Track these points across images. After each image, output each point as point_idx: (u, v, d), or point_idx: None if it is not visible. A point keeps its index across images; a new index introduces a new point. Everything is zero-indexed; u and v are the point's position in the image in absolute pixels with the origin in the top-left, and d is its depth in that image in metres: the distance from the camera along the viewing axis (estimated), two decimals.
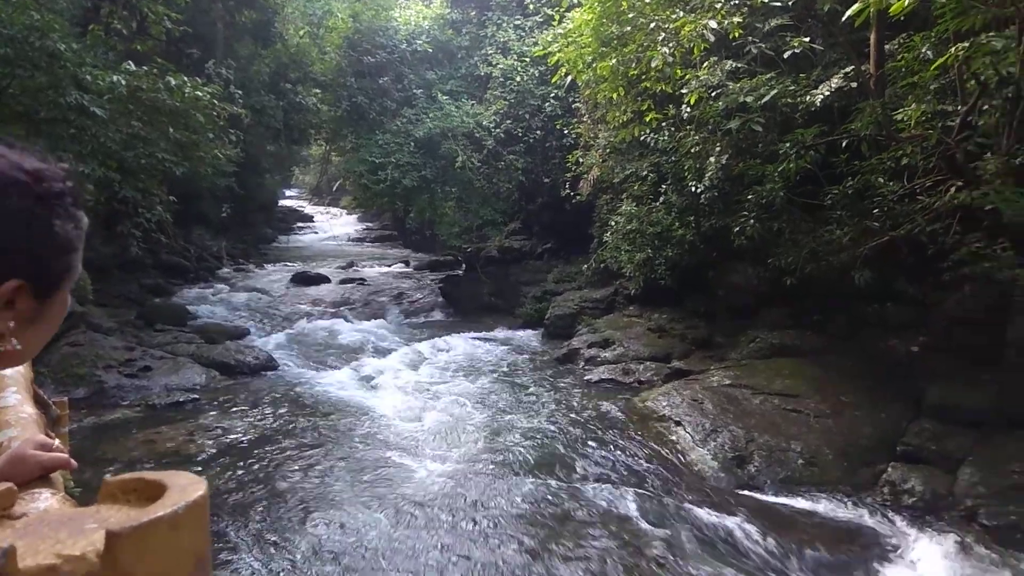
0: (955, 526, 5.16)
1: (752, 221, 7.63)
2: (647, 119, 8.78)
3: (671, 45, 7.23)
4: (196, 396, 8.03)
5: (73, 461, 1.11)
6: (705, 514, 5.30)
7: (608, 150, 11.01)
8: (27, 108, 7.92)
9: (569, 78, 9.58)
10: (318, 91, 15.34)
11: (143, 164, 9.26)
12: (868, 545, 4.99)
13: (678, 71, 7.84)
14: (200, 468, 5.96)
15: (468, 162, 13.35)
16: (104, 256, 11.89)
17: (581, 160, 11.94)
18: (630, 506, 5.41)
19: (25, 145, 0.89)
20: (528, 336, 11.97)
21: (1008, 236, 5.75)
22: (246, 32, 15.16)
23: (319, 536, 4.89)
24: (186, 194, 13.32)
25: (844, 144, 6.86)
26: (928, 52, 5.91)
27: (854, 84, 6.78)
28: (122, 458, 6.19)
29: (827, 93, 6.74)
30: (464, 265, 16.34)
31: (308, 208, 35.84)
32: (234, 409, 7.66)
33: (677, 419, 6.92)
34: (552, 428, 7.14)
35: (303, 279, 16.35)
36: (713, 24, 6.86)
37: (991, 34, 5.41)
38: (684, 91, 7.84)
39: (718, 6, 6.94)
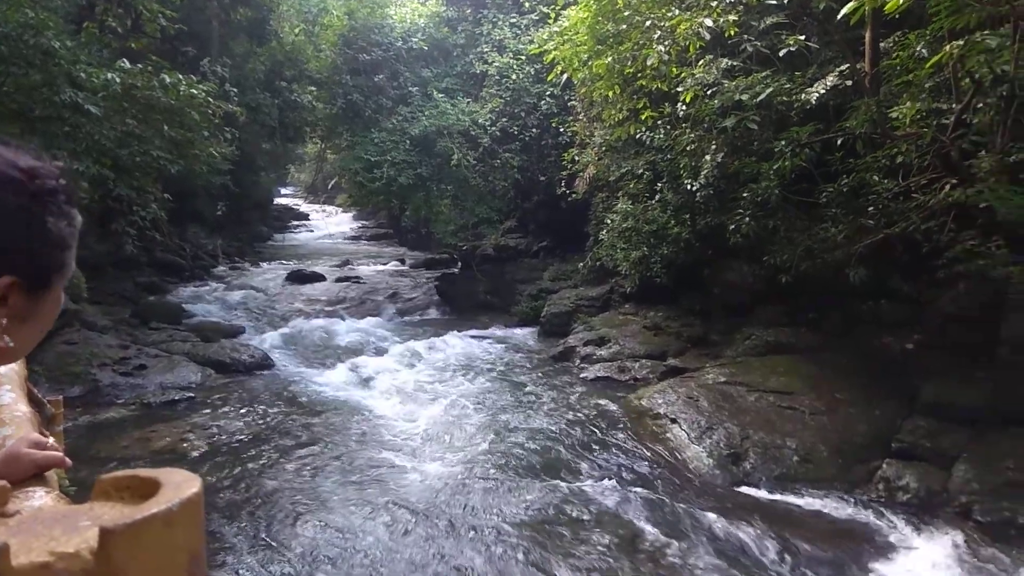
0: (949, 523, 5.18)
1: (747, 219, 7.64)
2: (643, 117, 8.78)
3: (667, 43, 7.23)
4: (191, 394, 8.02)
5: (68, 459, 1.11)
6: (700, 511, 5.31)
7: (604, 148, 11.01)
8: (21, 106, 7.89)
9: (565, 76, 9.58)
10: (313, 89, 15.30)
11: (138, 162, 9.22)
12: (863, 541, 5.01)
13: (674, 69, 7.84)
14: (195, 466, 5.95)
15: (464, 160, 13.34)
16: (99, 254, 11.85)
17: (577, 158, 11.93)
18: (626, 504, 5.42)
19: (19, 143, 0.89)
20: (524, 334, 11.97)
21: (1002, 234, 5.77)
22: (241, 30, 15.10)
23: (313, 537, 4.88)
24: (181, 192, 13.27)
25: (839, 142, 6.87)
26: (923, 50, 5.92)
27: (849, 82, 6.79)
28: (117, 456, 6.18)
29: (822, 91, 6.74)
30: (460, 263, 16.33)
31: (303, 206, 35.75)
32: (229, 408, 7.65)
33: (673, 417, 6.93)
34: (548, 426, 7.14)
35: (298, 277, 16.32)
36: (709, 22, 6.87)
37: (985, 32, 5.43)
38: (680, 89, 7.84)
39: (713, 4, 6.95)
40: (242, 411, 7.53)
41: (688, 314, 10.10)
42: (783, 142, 7.04)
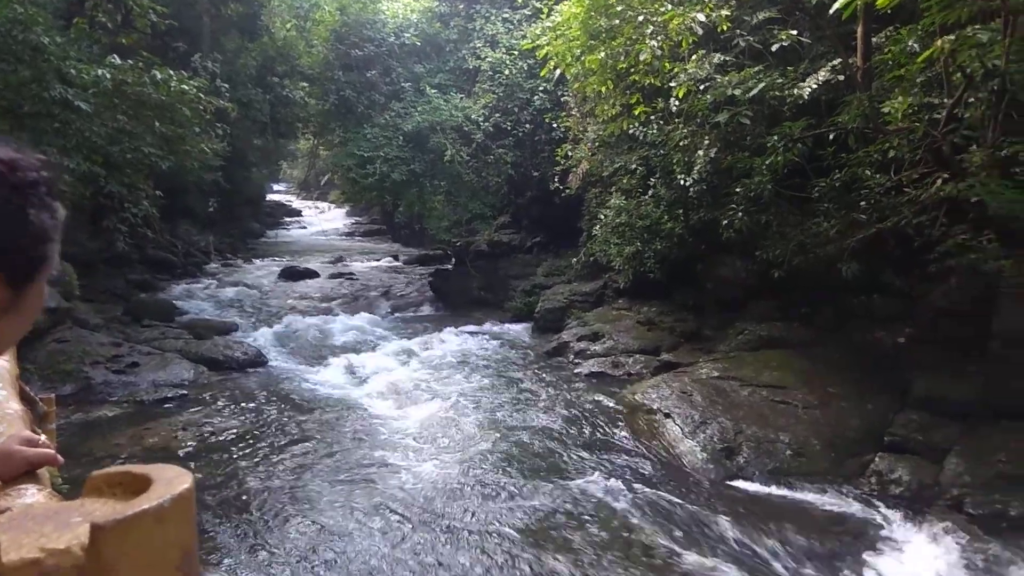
0: (941, 515, 5.21)
1: (740, 214, 7.65)
2: (636, 112, 8.78)
3: (659, 38, 7.24)
4: (184, 392, 8.00)
5: (59, 457, 1.10)
6: (694, 506, 5.33)
7: (597, 143, 11.00)
8: (10, 103, 7.84)
9: (558, 71, 9.57)
10: (305, 84, 15.26)
11: (128, 158, 9.18)
12: (855, 534, 5.04)
13: (666, 64, 7.83)
14: (188, 464, 5.94)
15: (457, 156, 13.32)
16: (90, 251, 11.80)
17: (570, 154, 11.93)
18: (619, 499, 5.43)
19: (1, 137, 0.88)
20: (518, 330, 11.97)
21: (993, 228, 5.79)
22: (232, 25, 15.04)
23: (305, 538, 4.87)
24: (172, 188, 13.23)
25: (831, 137, 6.88)
26: (915, 45, 5.93)
27: (841, 77, 6.81)
28: (110, 454, 6.15)
29: (815, 86, 6.76)
30: (453, 259, 16.32)
31: (296, 202, 35.67)
32: (223, 405, 7.63)
33: (666, 411, 6.94)
34: (542, 422, 7.15)
35: (292, 274, 16.29)
36: (701, 17, 6.87)
37: (977, 27, 5.44)
38: (672, 84, 7.84)
39: None
40: (235, 409, 7.51)
41: (681, 309, 10.12)
42: (776, 137, 7.05)
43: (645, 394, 7.38)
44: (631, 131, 9.48)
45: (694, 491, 5.65)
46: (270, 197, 31.31)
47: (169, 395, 7.85)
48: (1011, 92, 5.48)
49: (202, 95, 9.51)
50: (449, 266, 16.43)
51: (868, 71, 6.66)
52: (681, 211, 9.48)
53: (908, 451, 5.99)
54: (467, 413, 7.42)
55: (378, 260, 20.10)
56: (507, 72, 13.79)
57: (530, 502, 5.37)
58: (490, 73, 14.06)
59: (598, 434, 6.82)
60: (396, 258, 20.35)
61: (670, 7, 7.09)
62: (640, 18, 7.36)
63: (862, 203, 6.78)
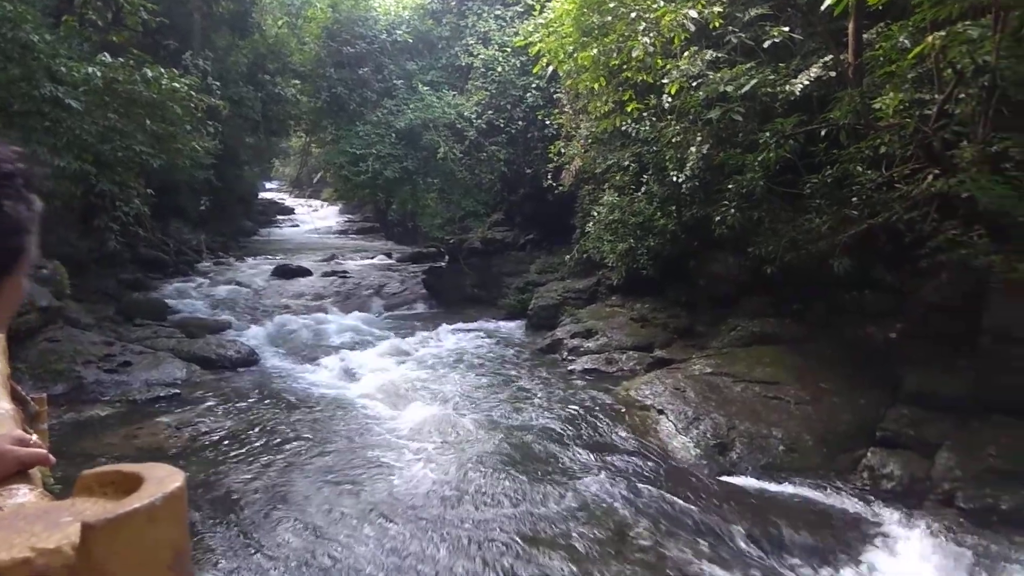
0: (933, 510, 5.24)
1: (732, 210, 7.67)
2: (628, 109, 8.79)
3: (652, 35, 7.24)
4: (177, 391, 7.97)
5: (51, 457, 1.10)
6: (687, 501, 5.34)
7: (590, 140, 11.01)
8: (0, 101, 7.79)
9: (550, 68, 9.57)
10: (297, 82, 15.21)
11: (120, 157, 9.13)
12: (848, 529, 5.06)
13: (659, 61, 7.84)
14: (181, 463, 5.92)
15: (450, 153, 13.30)
16: (81, 250, 11.74)
17: (563, 151, 11.93)
18: (614, 495, 5.44)
19: None
20: (511, 327, 11.98)
21: (984, 223, 5.82)
22: (223, 23, 14.97)
23: (298, 538, 4.82)
24: (164, 187, 13.16)
25: (823, 133, 6.90)
26: (905, 41, 5.95)
27: (833, 73, 6.83)
28: (102, 454, 6.13)
29: (806, 82, 6.78)
30: (447, 257, 16.30)
31: (288, 200, 35.47)
32: (215, 404, 7.61)
33: (660, 408, 6.97)
34: (536, 419, 7.16)
35: (284, 272, 16.24)
36: (693, 13, 6.88)
37: (967, 23, 5.47)
38: (665, 81, 7.85)
39: None
40: (228, 408, 7.49)
41: (674, 305, 10.14)
42: (768, 133, 7.07)
43: (639, 391, 7.40)
44: (624, 128, 9.49)
45: (687, 487, 5.66)
46: (262, 195, 31.22)
47: (162, 394, 7.82)
48: (1001, 88, 5.51)
49: (193, 93, 9.47)
50: (442, 264, 16.42)
51: (859, 67, 6.68)
52: (674, 208, 9.50)
53: (900, 446, 6.02)
54: (461, 411, 7.42)
55: (371, 258, 20.07)
56: (500, 69, 13.77)
57: (524, 499, 5.37)
58: (483, 70, 14.04)
59: (592, 431, 6.83)
60: (389, 256, 20.33)
61: (662, 4, 7.10)
62: (632, 15, 7.36)
63: (853, 199, 6.81)
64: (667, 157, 8.83)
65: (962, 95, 5.94)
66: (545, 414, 7.28)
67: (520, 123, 13.93)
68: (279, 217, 30.28)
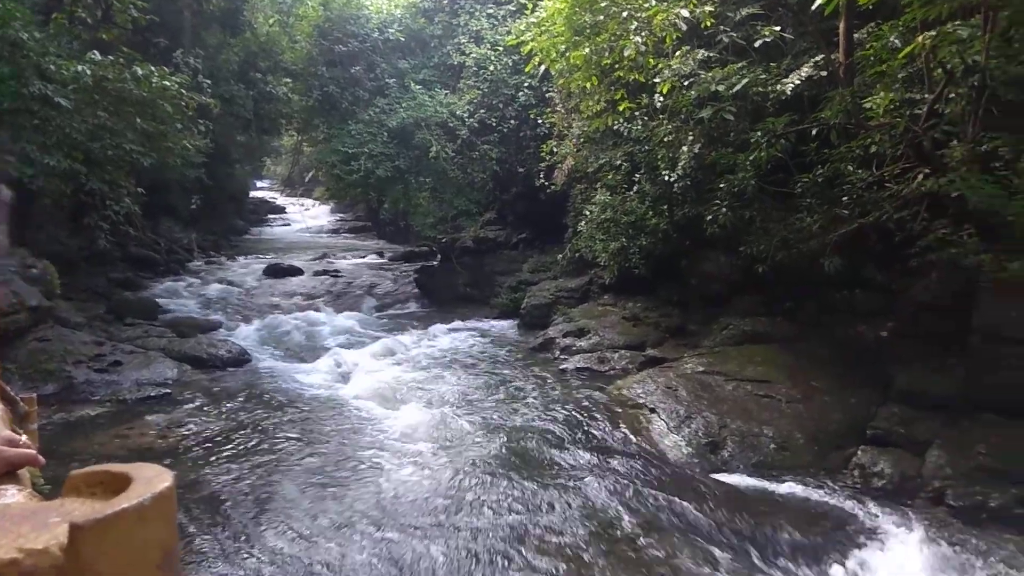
0: (923, 507, 5.27)
1: (724, 209, 7.69)
2: (620, 108, 8.80)
3: (644, 34, 7.25)
4: (167, 391, 7.94)
5: (40, 457, 1.09)
6: (679, 499, 5.35)
7: (582, 139, 11.02)
8: None
9: (543, 67, 9.56)
10: (289, 80, 15.16)
11: (110, 155, 9.09)
12: (839, 527, 5.08)
13: (651, 60, 7.86)
14: (171, 463, 5.89)
15: (442, 152, 13.29)
16: (71, 249, 11.68)
17: (555, 150, 11.94)
18: (606, 493, 5.45)
19: None
20: (504, 326, 11.98)
21: (974, 222, 5.85)
22: (214, 20, 14.90)
23: (287, 540, 4.80)
24: (154, 185, 13.12)
25: (814, 132, 6.93)
26: (896, 41, 5.98)
27: (824, 73, 6.85)
28: (92, 454, 6.10)
29: (797, 82, 6.80)
30: (439, 256, 16.29)
31: (280, 199, 35.46)
32: (206, 404, 7.58)
33: (652, 406, 6.98)
34: (528, 418, 7.16)
35: (276, 271, 16.20)
36: (685, 13, 6.89)
37: (957, 23, 5.50)
38: (657, 80, 7.86)
39: None
40: (219, 407, 7.46)
41: (666, 304, 10.17)
42: (759, 133, 7.09)
43: (631, 389, 7.41)
44: (616, 127, 9.50)
45: (679, 485, 5.67)
46: (254, 194, 31.13)
47: (152, 394, 7.79)
48: (991, 88, 5.55)
49: (184, 91, 9.43)
50: (435, 263, 16.41)
51: (850, 67, 6.71)
52: (666, 207, 9.52)
53: (890, 444, 6.05)
54: (453, 411, 7.41)
55: (363, 257, 20.03)
56: (492, 68, 13.77)
57: (516, 500, 5.37)
58: (475, 69, 14.03)
59: (584, 430, 6.84)
60: (381, 255, 20.29)
61: (654, 3, 7.11)
62: (624, 14, 7.37)
63: (844, 198, 6.84)
64: (659, 156, 8.85)
65: (952, 95, 5.98)
66: (538, 413, 7.28)
67: (512, 122, 13.93)
68: (270, 216, 30.18)
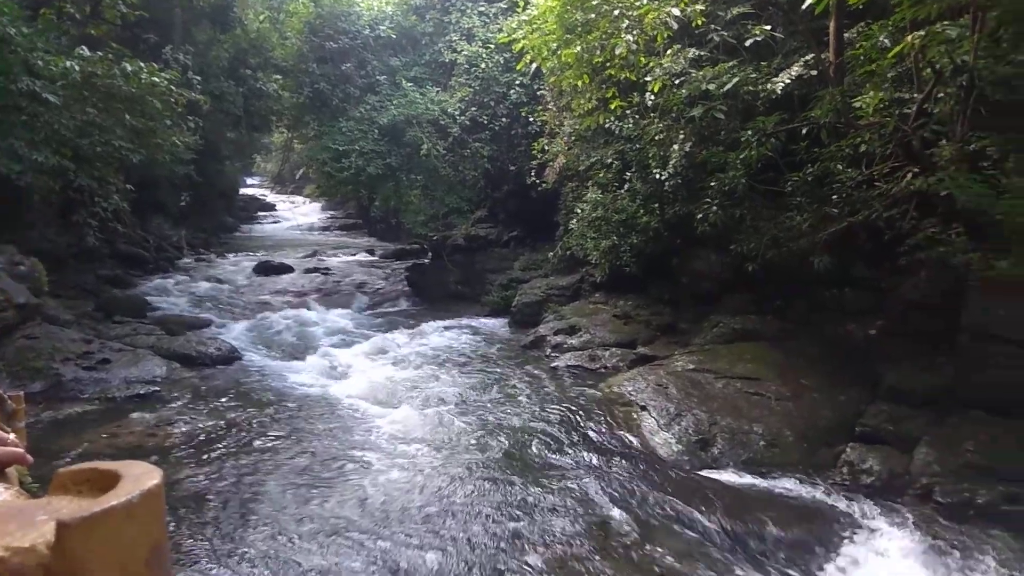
0: (911, 504, 5.30)
1: (715, 208, 7.72)
2: (612, 107, 8.81)
3: (635, 32, 7.26)
4: (157, 388, 7.90)
5: (28, 456, 1.08)
6: (670, 496, 5.37)
7: (573, 138, 11.03)
8: None
9: (534, 65, 9.57)
10: (279, 77, 15.10)
11: (98, 152, 9.03)
12: (828, 523, 5.11)
13: (642, 59, 7.87)
14: (160, 462, 5.86)
15: (433, 150, 13.27)
16: (59, 246, 11.61)
17: (547, 148, 11.95)
18: (597, 491, 5.46)
19: None
20: (495, 324, 11.97)
21: (962, 221, 5.89)
22: (204, 16, 14.82)
23: (276, 540, 4.77)
24: (143, 182, 13.04)
25: (804, 132, 6.96)
26: (886, 40, 6.01)
27: (814, 72, 6.88)
28: (81, 452, 6.06)
29: (787, 81, 6.83)
30: (430, 253, 16.28)
31: (270, 196, 35.30)
32: (196, 402, 7.55)
33: (642, 404, 6.99)
34: (520, 417, 7.17)
35: (266, 269, 16.14)
36: (676, 12, 6.90)
37: (946, 23, 5.53)
38: (648, 79, 7.88)
39: None
40: (209, 406, 7.43)
41: (657, 303, 10.19)
42: (749, 132, 7.11)
43: (621, 387, 7.43)
44: (607, 125, 9.52)
45: (670, 482, 5.69)
46: (244, 191, 31.01)
47: (141, 392, 7.74)
48: (979, 88, 5.58)
49: (173, 87, 9.38)
50: (426, 260, 16.39)
51: (840, 66, 6.73)
52: (657, 205, 9.54)
53: (879, 441, 6.08)
54: (444, 409, 7.41)
55: (354, 255, 19.99)
56: (483, 66, 13.76)
57: (506, 497, 5.38)
58: (466, 67, 14.02)
59: (575, 427, 6.85)
60: (372, 252, 20.26)
61: (645, 2, 7.12)
62: (616, 12, 7.38)
63: (834, 197, 6.87)
64: (650, 155, 8.87)
65: (941, 94, 6.02)
66: (529, 412, 7.29)
67: (504, 120, 13.93)
68: (261, 213, 30.05)
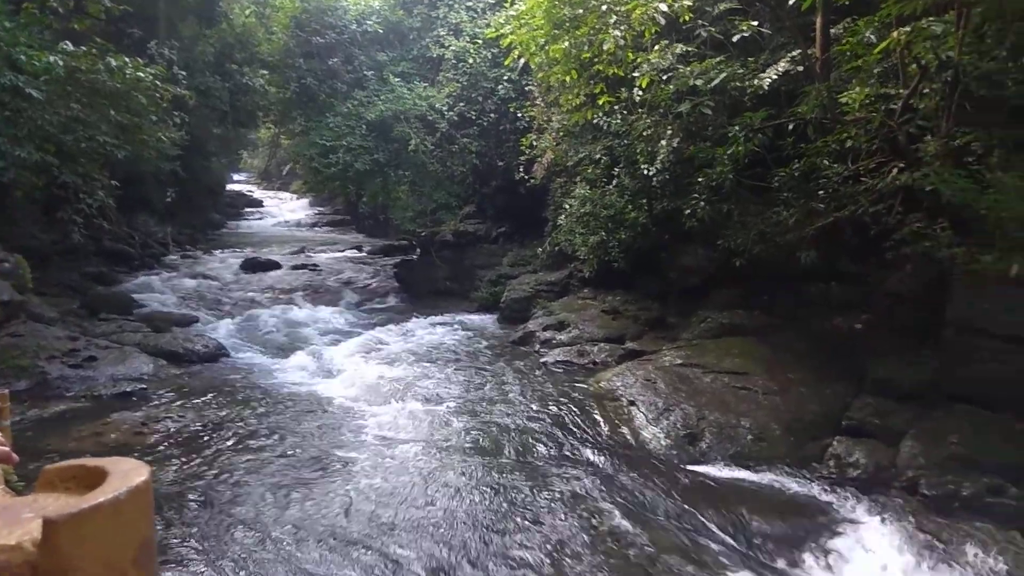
0: (897, 497, 5.34)
1: (702, 203, 7.74)
2: (600, 102, 8.81)
3: (623, 28, 7.26)
4: (143, 386, 7.85)
5: (14, 455, 1.08)
6: (658, 491, 5.40)
7: (561, 133, 11.03)
8: None
9: (522, 61, 9.56)
10: (265, 72, 15.01)
11: (83, 148, 8.95)
12: (815, 516, 5.15)
13: (630, 54, 7.87)
14: (147, 460, 5.83)
15: (421, 145, 13.23)
16: (44, 243, 11.51)
17: (535, 143, 11.94)
18: (586, 486, 5.48)
19: None
20: (484, 320, 11.98)
21: (947, 216, 5.94)
22: (189, 11, 14.70)
23: (266, 540, 4.75)
24: (129, 178, 12.92)
25: (791, 127, 6.99)
26: (872, 36, 6.05)
27: (800, 68, 6.91)
28: (67, 450, 6.02)
29: (774, 77, 6.85)
30: (418, 250, 16.24)
31: (257, 192, 35.06)
32: (183, 399, 7.50)
33: (631, 399, 7.02)
34: (509, 411, 7.17)
35: (253, 265, 16.07)
36: (663, 7, 6.91)
37: (931, 19, 5.57)
38: (636, 74, 7.88)
39: None
40: (196, 403, 7.39)
41: (645, 298, 10.22)
42: (737, 127, 7.14)
43: (610, 382, 7.45)
44: (595, 121, 9.52)
45: (658, 476, 5.71)
46: (230, 187, 30.75)
47: (128, 389, 7.69)
48: (964, 83, 5.63)
49: (159, 83, 9.30)
50: (414, 256, 16.35)
51: (827, 62, 6.77)
52: (645, 201, 9.56)
53: (865, 435, 6.13)
54: (433, 406, 7.41)
55: (342, 251, 19.92)
56: (471, 61, 13.72)
57: (496, 494, 5.38)
58: (454, 62, 13.98)
59: (565, 423, 6.86)
60: (360, 249, 20.19)
61: None
62: (603, 8, 7.38)
63: (820, 192, 6.91)
64: (638, 150, 8.88)
65: (926, 90, 6.06)
66: (518, 407, 7.29)
67: (492, 115, 13.90)
68: (247, 209, 29.85)
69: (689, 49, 7.91)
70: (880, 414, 6.22)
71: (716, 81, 7.06)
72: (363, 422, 6.94)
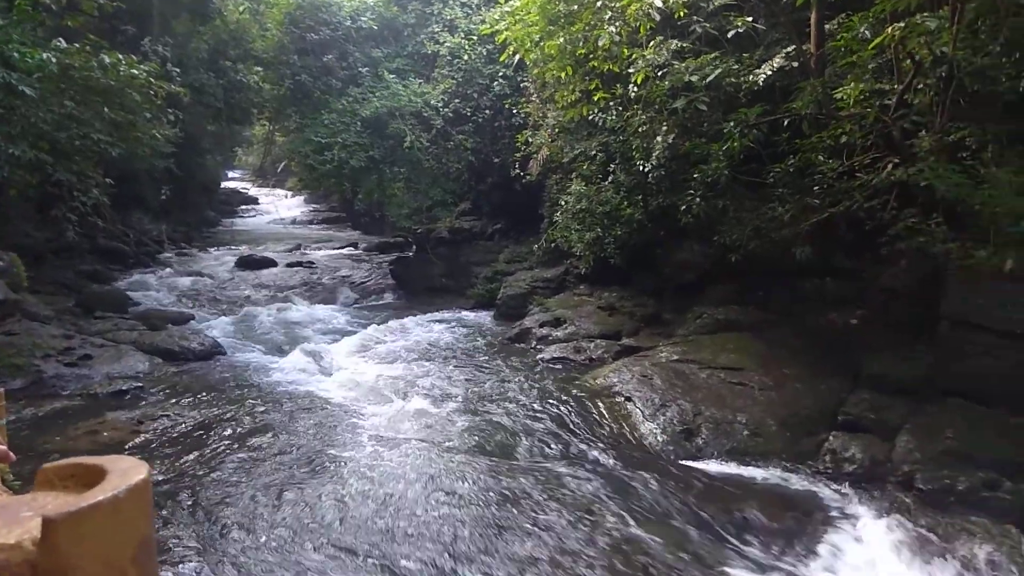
0: (893, 491, 5.37)
1: (698, 199, 7.75)
2: (595, 98, 8.81)
3: (618, 24, 7.26)
4: (139, 384, 7.83)
5: (10, 453, 1.08)
6: (655, 486, 5.40)
7: (557, 130, 11.02)
8: None
9: (517, 57, 9.55)
10: (259, 69, 14.94)
11: (77, 145, 8.91)
12: (811, 511, 5.17)
13: (625, 50, 7.87)
14: (144, 458, 5.82)
15: (417, 142, 13.21)
16: (38, 242, 11.47)
17: (530, 140, 11.93)
18: (583, 481, 5.48)
19: None
20: (480, 317, 11.97)
21: (942, 211, 5.95)
22: (183, 8, 14.63)
23: (261, 539, 4.76)
24: (123, 176, 12.87)
25: (786, 123, 6.99)
26: (866, 32, 6.05)
27: (795, 63, 6.92)
28: (64, 449, 6.00)
29: (769, 72, 6.86)
30: (414, 247, 16.22)
31: (252, 190, 34.87)
32: (179, 397, 7.49)
33: (628, 395, 7.03)
34: (506, 408, 7.17)
35: (249, 263, 16.03)
36: (659, 3, 6.91)
37: (925, 14, 5.57)
38: (631, 70, 7.88)
39: None
40: (192, 401, 7.38)
41: (641, 294, 10.23)
42: (732, 123, 7.14)
43: (607, 378, 7.46)
44: (590, 117, 9.52)
45: (655, 472, 5.72)
46: (225, 184, 30.65)
47: (124, 387, 7.68)
48: (958, 79, 5.63)
49: (152, 80, 9.26)
50: (410, 253, 16.34)
51: (821, 57, 6.77)
52: (640, 197, 9.56)
53: (861, 430, 6.15)
54: (429, 403, 7.40)
55: (338, 248, 19.89)
56: (466, 57, 13.70)
57: (493, 490, 5.38)
58: (449, 58, 13.95)
59: (561, 419, 6.87)
60: (356, 246, 20.15)
61: None
62: (598, 3, 7.38)
63: (815, 188, 6.92)
64: (633, 146, 8.88)
65: (920, 85, 6.07)
66: (514, 403, 7.30)
67: (487, 112, 13.88)
68: (243, 207, 29.77)
69: (684, 45, 7.90)
70: (875, 409, 6.24)
71: (711, 77, 7.07)
72: (360, 420, 6.93)
